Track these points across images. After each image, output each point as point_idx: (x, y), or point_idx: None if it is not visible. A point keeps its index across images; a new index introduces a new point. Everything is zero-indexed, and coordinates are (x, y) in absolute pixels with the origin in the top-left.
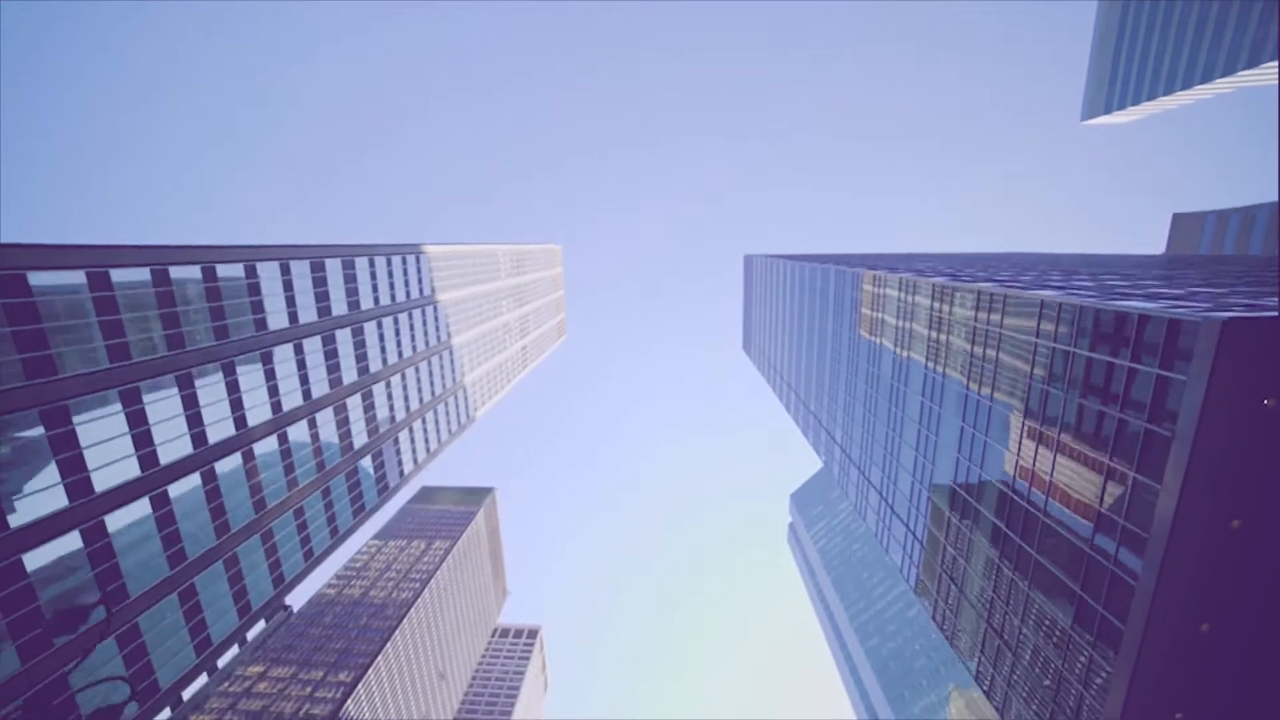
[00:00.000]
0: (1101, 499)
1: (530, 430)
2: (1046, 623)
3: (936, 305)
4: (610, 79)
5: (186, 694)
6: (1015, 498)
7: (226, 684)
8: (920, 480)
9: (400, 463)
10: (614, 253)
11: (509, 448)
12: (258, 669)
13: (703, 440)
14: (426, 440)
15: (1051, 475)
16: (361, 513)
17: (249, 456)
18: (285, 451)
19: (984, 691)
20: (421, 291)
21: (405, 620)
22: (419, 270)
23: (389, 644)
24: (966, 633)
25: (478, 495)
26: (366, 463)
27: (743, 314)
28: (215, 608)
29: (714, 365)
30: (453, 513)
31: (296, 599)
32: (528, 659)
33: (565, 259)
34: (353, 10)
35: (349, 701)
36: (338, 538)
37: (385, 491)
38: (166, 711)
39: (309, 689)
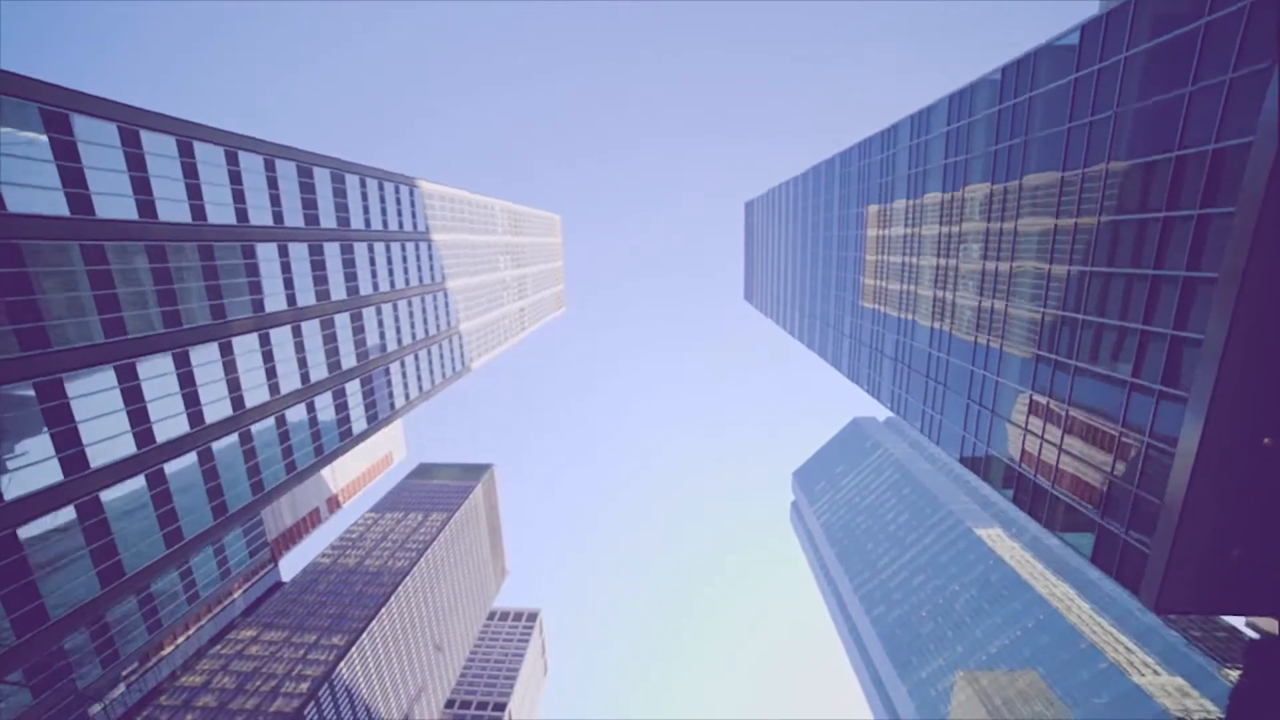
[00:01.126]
0: (1167, 200)
1: (533, 424)
2: (1102, 392)
3: (950, 158)
4: (605, 80)
5: (176, 652)
6: (1052, 267)
7: (218, 646)
8: (942, 317)
9: (391, 394)
10: (615, 250)
11: (512, 439)
12: (250, 633)
13: (704, 435)
14: (419, 378)
15: (1100, 216)
16: (349, 437)
17: (227, 350)
18: (267, 354)
19: (1027, 511)
20: (415, 226)
21: (401, 587)
22: (412, 204)
23: (384, 609)
24: (1001, 455)
25: (476, 471)
26: (355, 386)
27: (744, 265)
28: (187, 500)
29: (715, 365)
30: (451, 487)
31: (289, 570)
32: (527, 641)
33: (569, 255)
34: (353, 7)
35: (342, 664)
36: (322, 457)
37: (375, 420)
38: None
39: (302, 651)
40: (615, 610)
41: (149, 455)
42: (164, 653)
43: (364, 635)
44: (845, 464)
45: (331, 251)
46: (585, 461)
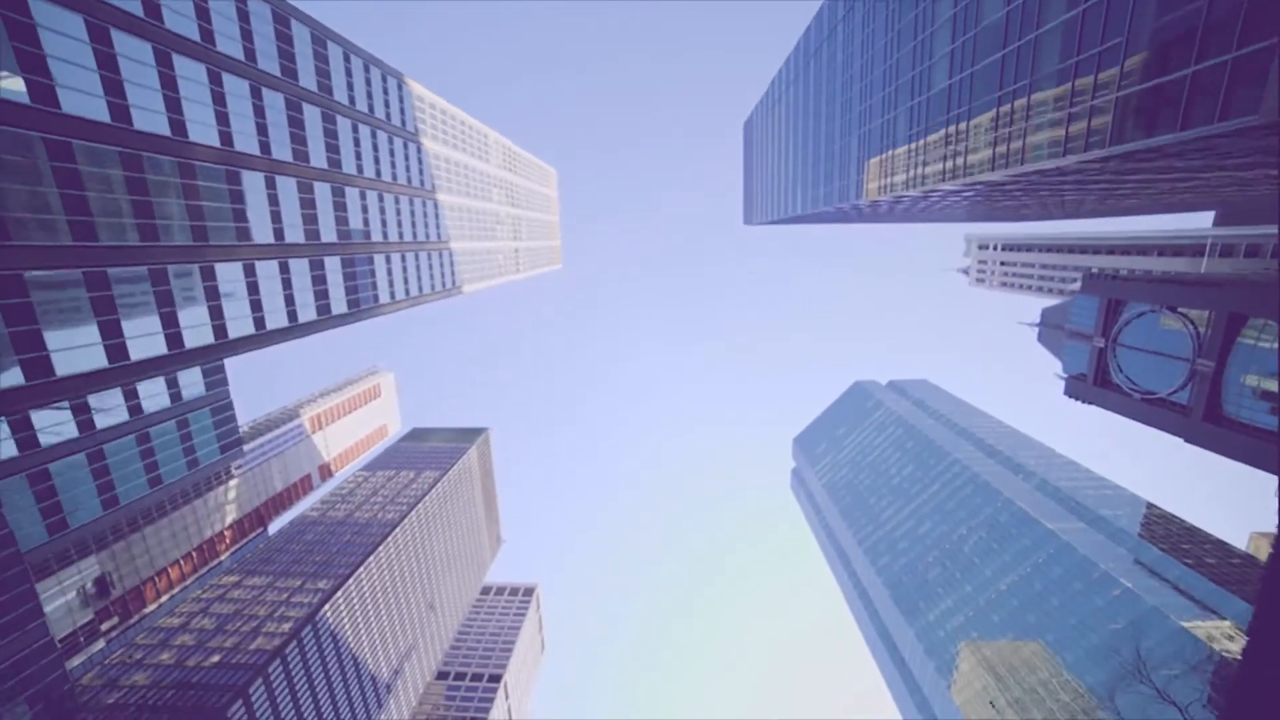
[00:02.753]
0: None
1: (533, 415)
2: None
3: None
4: (602, 75)
5: (154, 608)
6: None
7: (200, 590)
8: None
9: (375, 286)
10: (617, 244)
11: (513, 431)
12: (232, 578)
13: (706, 423)
14: (406, 281)
15: None
16: (326, 314)
17: (189, 171)
18: (235, 194)
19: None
20: (404, 124)
21: (390, 538)
22: (401, 99)
23: (372, 557)
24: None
25: (471, 434)
26: (335, 264)
27: (743, 188)
28: (134, 315)
29: (715, 355)
30: (444, 449)
31: (274, 523)
32: (524, 615)
33: (571, 243)
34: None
35: (326, 607)
36: (295, 324)
37: (356, 308)
38: (68, 414)
39: (285, 595)
40: (617, 601)
41: (88, 252)
42: (147, 610)
43: (350, 581)
44: (847, 425)
45: (311, 115)
46: (587, 451)
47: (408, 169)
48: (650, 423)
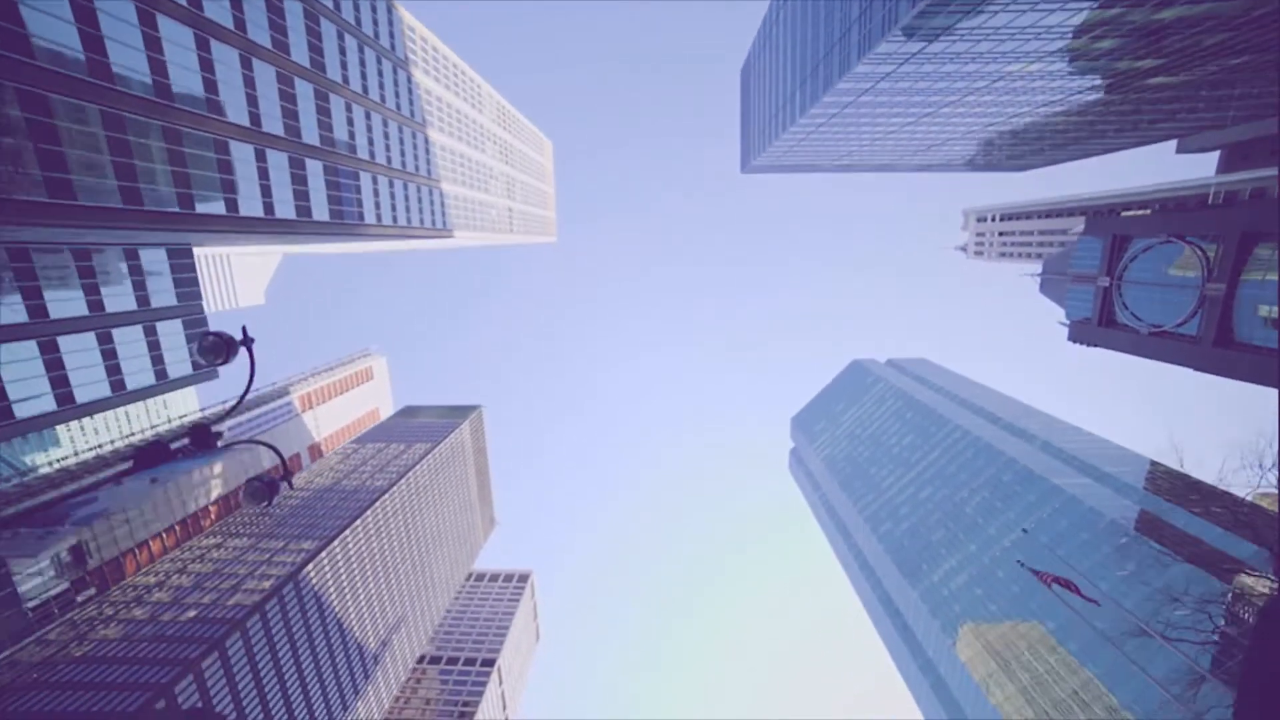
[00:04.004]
0: None
1: (535, 419)
2: None
3: None
4: (597, 75)
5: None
6: None
7: (177, 550)
8: None
9: (360, 204)
10: (614, 247)
11: (515, 434)
12: (212, 540)
13: (703, 431)
14: (394, 208)
15: None
16: (307, 217)
17: (148, 20)
18: (205, 61)
19: None
20: (393, 48)
21: (379, 503)
22: (390, 21)
23: (359, 520)
24: None
25: (463, 411)
26: (317, 168)
27: (741, 136)
28: (80, 149)
29: (711, 356)
30: (436, 424)
31: None
32: (518, 600)
33: (569, 241)
34: None
35: (309, 566)
36: (271, 217)
37: (340, 219)
38: (16, 296)
39: (267, 555)
40: (616, 599)
41: (21, 67)
42: (127, 579)
43: (336, 543)
44: (845, 401)
45: (293, 8)
46: (586, 449)
47: (396, 94)
48: (649, 420)
